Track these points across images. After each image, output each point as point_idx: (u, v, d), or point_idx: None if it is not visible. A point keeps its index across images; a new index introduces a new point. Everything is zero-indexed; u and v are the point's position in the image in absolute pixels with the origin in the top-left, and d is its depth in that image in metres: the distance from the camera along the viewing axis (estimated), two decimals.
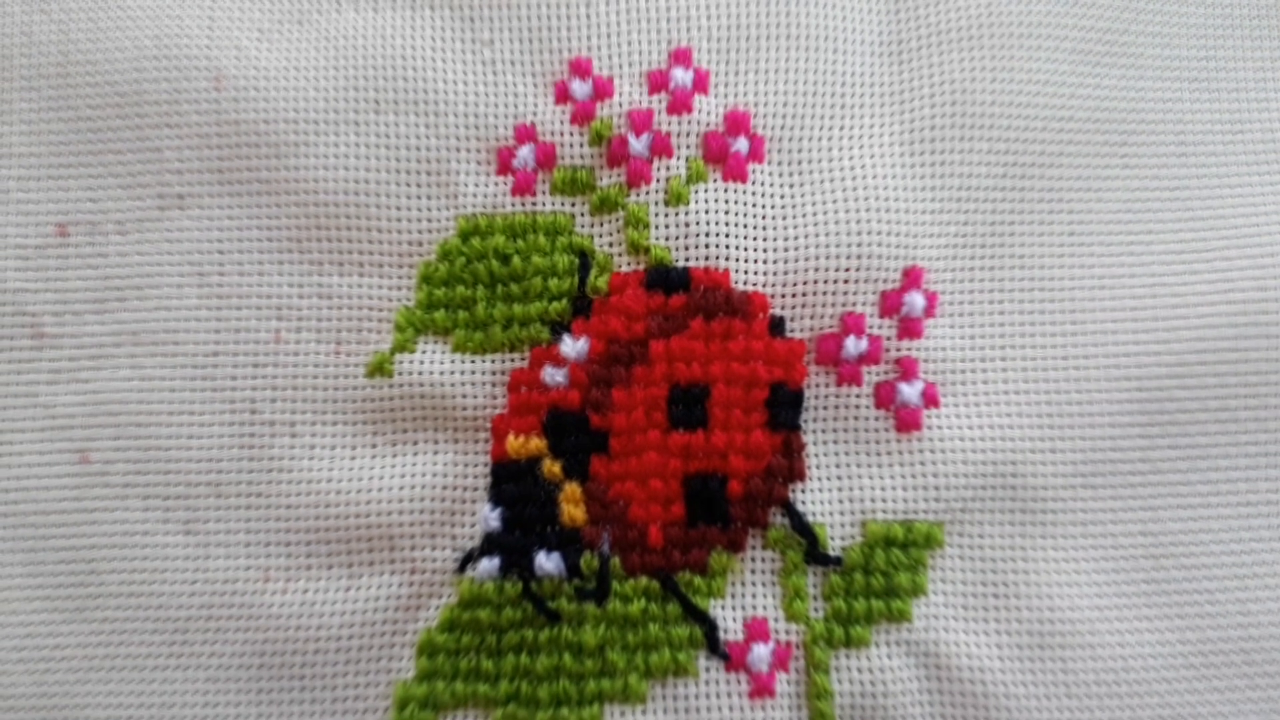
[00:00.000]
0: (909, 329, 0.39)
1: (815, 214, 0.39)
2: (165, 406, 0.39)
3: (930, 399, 0.39)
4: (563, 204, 0.40)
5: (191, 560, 0.38)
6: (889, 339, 0.39)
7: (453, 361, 0.39)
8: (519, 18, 0.40)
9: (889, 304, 0.39)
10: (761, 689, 0.37)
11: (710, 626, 0.37)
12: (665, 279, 0.38)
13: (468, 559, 0.38)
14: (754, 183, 0.39)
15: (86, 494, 0.39)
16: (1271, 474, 0.39)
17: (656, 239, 0.39)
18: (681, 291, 0.38)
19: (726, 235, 0.39)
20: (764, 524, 0.38)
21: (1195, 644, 0.38)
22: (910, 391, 0.39)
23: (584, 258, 0.39)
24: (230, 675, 0.38)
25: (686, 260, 0.39)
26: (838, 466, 0.39)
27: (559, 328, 0.39)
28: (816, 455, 0.39)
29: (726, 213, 0.39)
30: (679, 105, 0.40)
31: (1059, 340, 0.39)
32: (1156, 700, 0.38)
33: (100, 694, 0.38)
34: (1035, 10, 0.41)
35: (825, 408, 0.39)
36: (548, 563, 0.37)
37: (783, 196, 0.39)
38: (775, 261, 0.39)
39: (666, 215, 0.39)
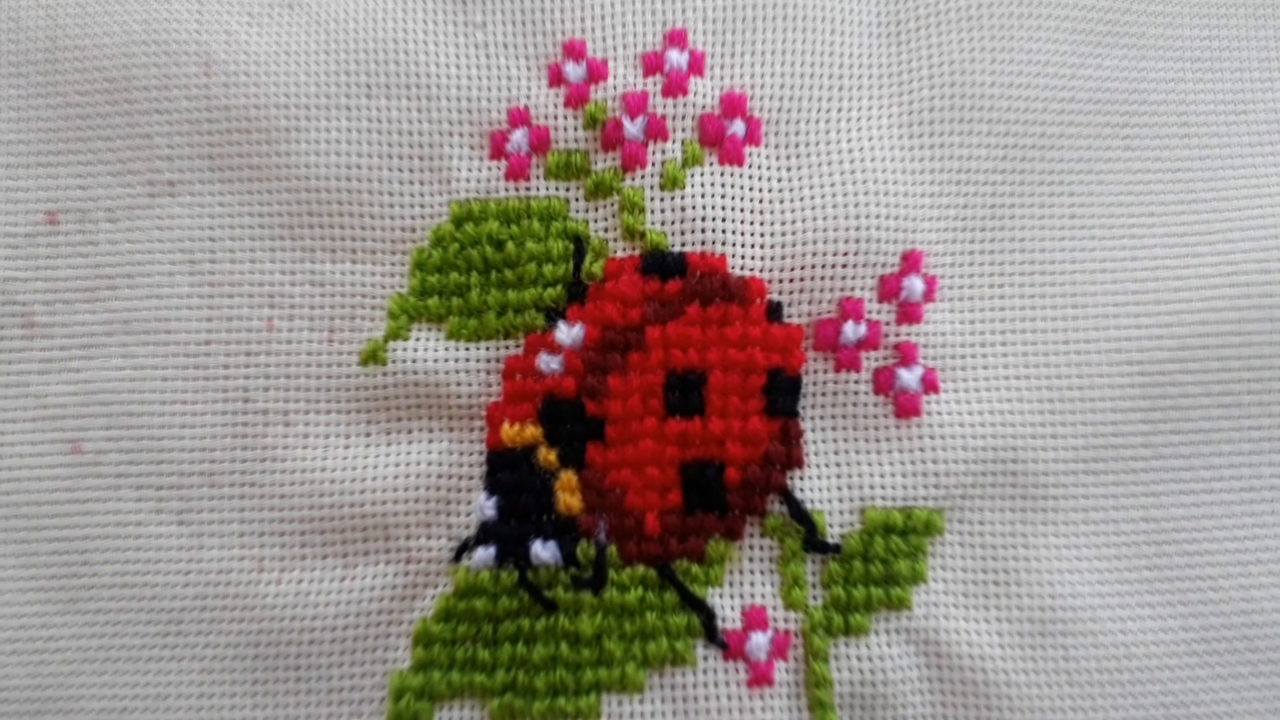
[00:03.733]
0: (908, 314, 0.39)
1: (813, 198, 0.39)
2: (157, 396, 0.39)
3: (930, 385, 0.38)
4: (557, 189, 0.39)
5: (185, 550, 0.38)
6: (888, 324, 0.39)
7: (447, 349, 0.38)
8: (512, 0, 0.40)
9: (888, 288, 0.38)
10: (760, 677, 0.37)
11: (708, 615, 0.37)
12: (661, 264, 0.38)
13: (463, 548, 0.37)
14: (751, 166, 0.39)
15: (79, 484, 0.38)
16: (1275, 459, 0.39)
17: (652, 224, 0.39)
18: (678, 277, 0.38)
19: (723, 220, 0.38)
20: (762, 511, 0.38)
21: (1198, 631, 0.38)
22: (909, 377, 0.38)
23: (579, 243, 0.39)
24: (225, 666, 0.37)
25: (683, 245, 0.38)
26: (836, 453, 0.38)
27: (554, 314, 0.38)
28: (815, 442, 0.38)
29: (723, 197, 0.39)
30: (674, 88, 0.39)
31: (1060, 324, 0.39)
32: (1159, 688, 0.38)
33: (94, 685, 0.37)
34: None
35: (823, 394, 0.38)
36: (544, 552, 0.37)
37: (780, 180, 0.39)
38: (772, 246, 0.39)
39: (662, 200, 0.39)
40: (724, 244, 0.38)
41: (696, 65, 0.39)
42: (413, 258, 0.39)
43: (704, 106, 0.39)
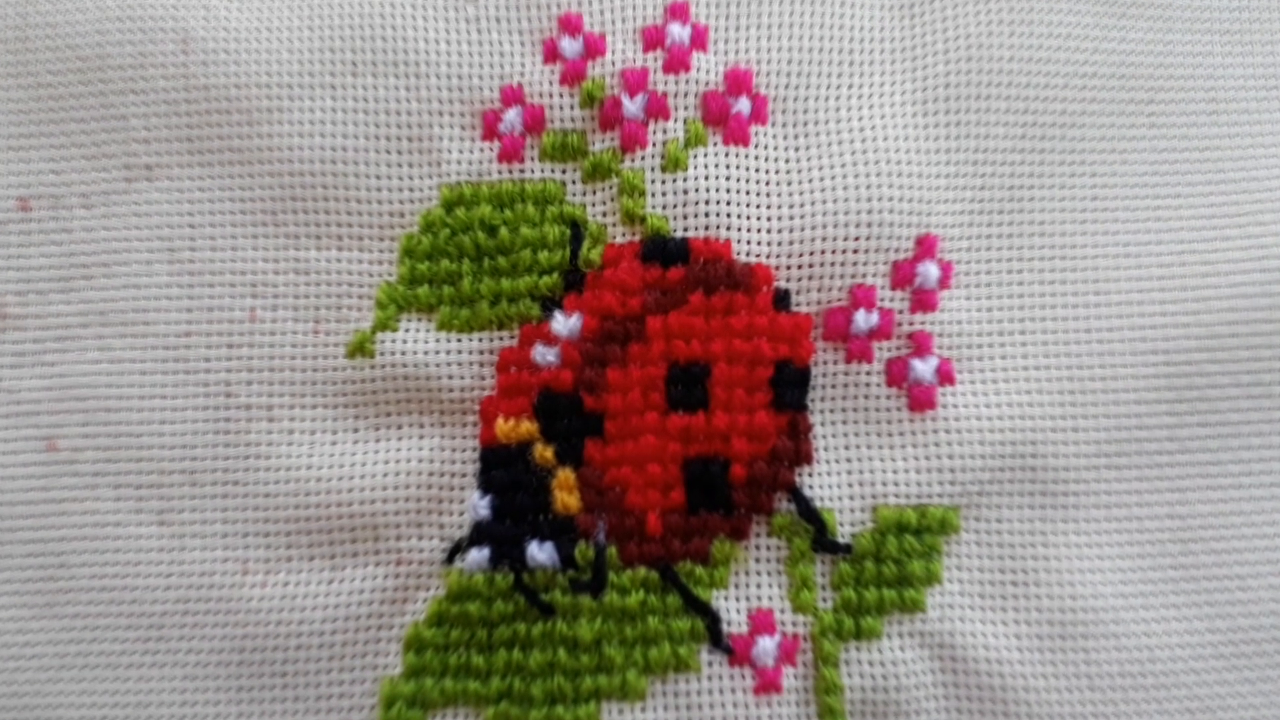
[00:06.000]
0: (922, 301, 0.38)
1: (822, 179, 0.38)
2: (136, 390, 0.38)
3: (945, 376, 0.37)
4: (553, 171, 0.38)
5: (166, 552, 0.37)
6: (901, 312, 0.38)
7: (438, 340, 0.37)
8: None
9: (901, 275, 0.37)
10: (767, 684, 0.36)
11: (713, 619, 0.36)
12: (663, 250, 0.37)
13: (456, 549, 0.37)
14: (757, 146, 0.38)
15: (54, 483, 0.37)
16: None
17: (653, 208, 0.37)
18: (680, 264, 0.37)
19: (728, 203, 0.37)
20: (769, 510, 0.37)
21: (1225, 633, 0.37)
22: (924, 368, 0.37)
23: (576, 228, 0.38)
24: (208, 672, 0.37)
25: (685, 230, 0.37)
26: (847, 448, 0.37)
27: (550, 304, 0.37)
28: (824, 437, 0.37)
29: (728, 179, 0.38)
30: (676, 63, 0.38)
31: (1081, 312, 0.38)
32: (1184, 692, 0.37)
33: (73, 693, 0.37)
34: None
35: (833, 386, 0.37)
36: (540, 553, 0.36)
37: (788, 161, 0.38)
38: (780, 231, 0.37)
39: (664, 182, 0.38)
40: (729, 229, 0.37)
41: (699, 39, 0.38)
42: (401, 244, 0.38)
43: (707, 83, 0.38)
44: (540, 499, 0.36)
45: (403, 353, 0.37)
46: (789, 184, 0.38)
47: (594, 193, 0.38)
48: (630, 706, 0.36)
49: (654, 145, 0.38)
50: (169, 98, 0.38)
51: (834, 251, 0.37)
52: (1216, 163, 0.39)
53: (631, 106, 0.37)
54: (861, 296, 0.37)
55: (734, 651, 0.36)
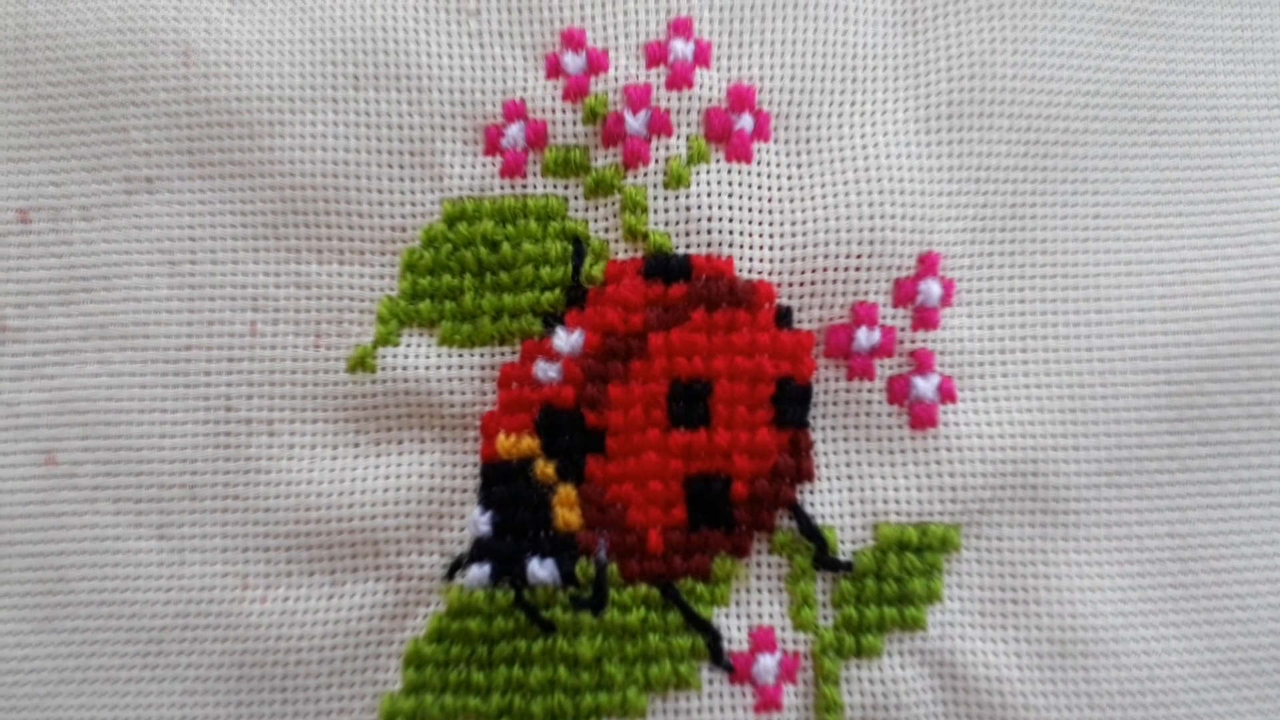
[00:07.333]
0: (924, 319, 0.37)
1: (825, 196, 0.37)
2: (135, 404, 0.37)
3: (946, 394, 0.37)
4: (555, 187, 0.38)
5: (166, 567, 0.37)
6: (903, 330, 0.37)
7: (439, 355, 0.37)
8: None
9: (903, 292, 0.37)
10: (768, 702, 0.36)
11: (713, 636, 0.36)
12: (665, 267, 0.37)
13: (456, 565, 0.36)
14: (759, 163, 0.38)
15: (54, 497, 0.37)
16: None
17: (655, 224, 0.37)
18: (682, 281, 0.37)
19: (730, 220, 0.37)
20: (770, 527, 0.36)
21: (1225, 652, 0.37)
22: (925, 386, 0.37)
23: (578, 244, 0.37)
24: (208, 688, 0.36)
25: (687, 247, 0.37)
26: (848, 466, 0.37)
27: (552, 320, 0.37)
28: (826, 454, 0.37)
29: (730, 195, 0.37)
30: (679, 79, 0.38)
31: (1083, 330, 0.38)
32: (1184, 711, 0.37)
33: (71, 707, 0.36)
34: None
35: (835, 403, 0.37)
36: (541, 570, 0.36)
37: (790, 178, 0.38)
38: (782, 248, 0.37)
39: (666, 198, 0.37)
40: (731, 245, 0.37)
41: (702, 56, 0.38)
42: (403, 259, 0.38)
43: (710, 100, 0.38)
44: (541, 515, 0.36)
45: (404, 368, 0.37)
46: (791, 201, 0.37)
47: (596, 209, 0.38)
48: None
49: (656, 162, 0.37)
50: (170, 110, 0.38)
51: (836, 269, 0.37)
52: (1218, 181, 0.39)
53: (634, 123, 0.37)
54: (863, 314, 0.37)
55: (735, 669, 0.36)
